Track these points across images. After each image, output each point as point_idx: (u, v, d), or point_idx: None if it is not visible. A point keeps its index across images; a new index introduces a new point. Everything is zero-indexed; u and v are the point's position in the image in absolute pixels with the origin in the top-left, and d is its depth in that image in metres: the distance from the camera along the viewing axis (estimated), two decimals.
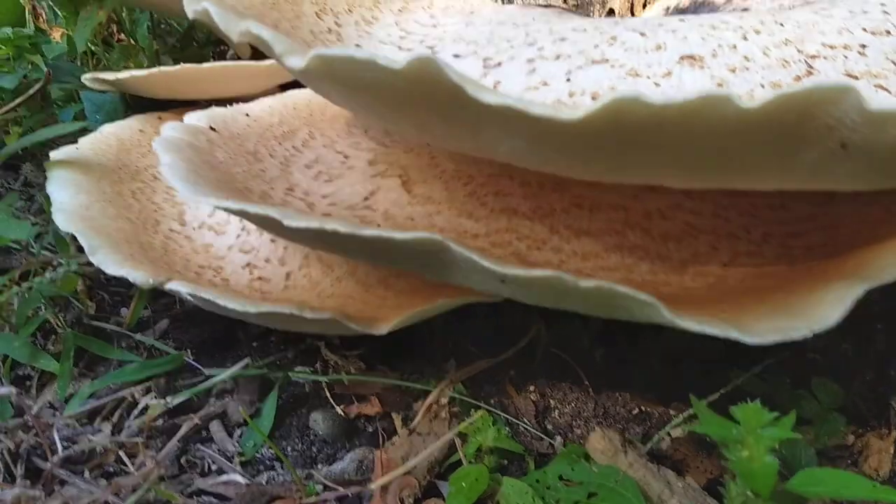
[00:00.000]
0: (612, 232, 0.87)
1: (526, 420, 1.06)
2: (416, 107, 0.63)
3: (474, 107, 0.55)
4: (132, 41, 1.57)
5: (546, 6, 1.04)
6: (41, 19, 1.56)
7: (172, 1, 1.53)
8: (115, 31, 1.79)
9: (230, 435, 1.02)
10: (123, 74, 1.25)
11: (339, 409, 1.08)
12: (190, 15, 0.71)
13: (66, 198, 1.02)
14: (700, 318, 0.61)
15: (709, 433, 0.69)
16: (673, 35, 0.80)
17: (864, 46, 0.80)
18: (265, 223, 0.72)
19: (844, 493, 0.67)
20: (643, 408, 1.14)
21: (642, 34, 0.81)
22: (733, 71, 0.76)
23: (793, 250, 0.84)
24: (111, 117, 1.38)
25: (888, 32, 0.82)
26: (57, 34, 1.53)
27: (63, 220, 0.97)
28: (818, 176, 0.60)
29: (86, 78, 1.31)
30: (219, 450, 1.00)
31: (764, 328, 0.61)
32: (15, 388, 0.90)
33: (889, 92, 0.75)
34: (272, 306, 0.82)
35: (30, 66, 1.46)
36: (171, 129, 0.90)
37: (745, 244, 0.86)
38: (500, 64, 0.85)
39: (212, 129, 0.97)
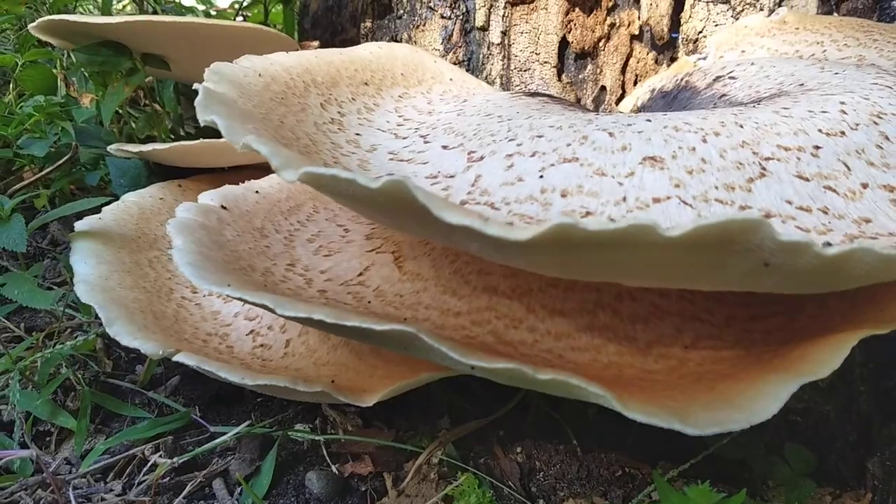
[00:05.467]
0: (583, 312, 0.93)
1: (510, 483, 1.12)
2: (393, 214, 0.70)
3: (440, 222, 0.63)
4: (158, 106, 1.67)
5: (532, 94, 1.12)
6: (72, 88, 1.67)
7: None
8: (141, 95, 1.90)
9: (231, 493, 1.09)
10: (146, 148, 1.34)
11: (334, 468, 1.14)
12: (202, 123, 0.80)
13: (87, 270, 1.11)
14: (647, 408, 0.67)
15: None
16: (638, 136, 0.87)
17: (817, 148, 0.86)
18: (262, 307, 0.79)
19: None
20: (627, 468, 1.19)
21: (611, 134, 0.89)
22: (690, 173, 0.83)
23: (752, 334, 0.90)
24: (135, 182, 1.48)
25: (842, 133, 0.88)
26: (87, 100, 1.63)
27: (84, 291, 1.05)
28: (749, 283, 0.67)
29: (112, 149, 1.41)
30: None
31: (705, 420, 0.66)
32: (35, 450, 0.97)
33: (837, 193, 0.82)
34: (268, 379, 0.90)
35: (60, 131, 1.57)
36: (184, 210, 0.98)
37: (708, 327, 0.92)
38: (482, 158, 0.92)
39: (223, 207, 1.05)
